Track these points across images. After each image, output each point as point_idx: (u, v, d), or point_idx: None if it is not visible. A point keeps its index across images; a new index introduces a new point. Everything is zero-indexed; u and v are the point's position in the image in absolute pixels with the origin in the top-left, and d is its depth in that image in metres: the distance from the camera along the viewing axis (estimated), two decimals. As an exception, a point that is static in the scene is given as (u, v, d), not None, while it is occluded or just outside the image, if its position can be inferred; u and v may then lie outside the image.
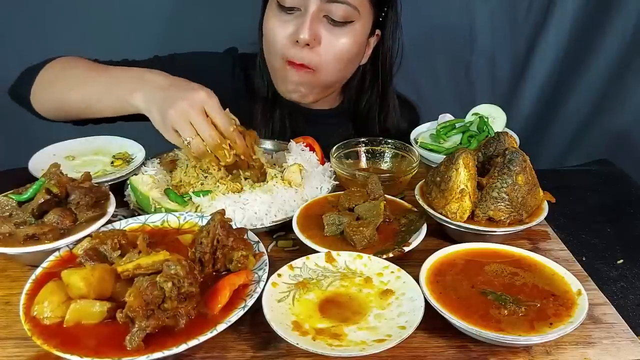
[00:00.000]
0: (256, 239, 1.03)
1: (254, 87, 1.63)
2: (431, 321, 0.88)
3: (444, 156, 1.20)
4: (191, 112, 1.16)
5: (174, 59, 1.61)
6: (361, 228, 1.04)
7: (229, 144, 1.20)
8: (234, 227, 1.03)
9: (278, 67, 1.49)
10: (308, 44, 1.41)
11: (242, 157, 1.22)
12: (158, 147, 1.41)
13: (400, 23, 1.60)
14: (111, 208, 1.10)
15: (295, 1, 1.41)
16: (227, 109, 1.23)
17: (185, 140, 1.17)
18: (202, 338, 0.80)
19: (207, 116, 1.17)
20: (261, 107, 1.61)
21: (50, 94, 1.42)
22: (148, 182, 1.20)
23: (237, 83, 1.66)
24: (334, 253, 1.00)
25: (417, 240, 1.05)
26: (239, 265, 0.94)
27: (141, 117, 1.27)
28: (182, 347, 0.78)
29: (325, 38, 1.43)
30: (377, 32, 1.58)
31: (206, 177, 1.25)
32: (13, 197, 1.06)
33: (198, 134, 1.17)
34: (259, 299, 0.88)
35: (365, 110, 1.68)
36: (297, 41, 1.40)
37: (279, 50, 1.46)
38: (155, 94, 1.22)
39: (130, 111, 1.28)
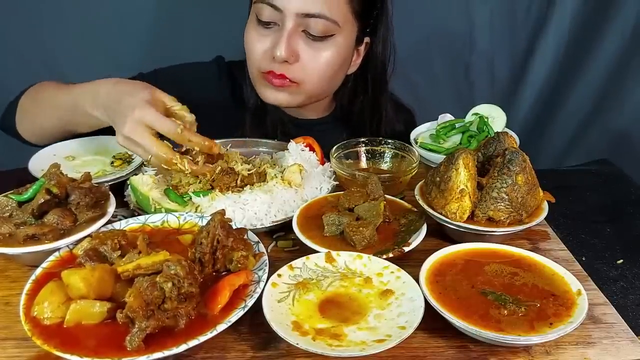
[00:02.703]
0: (256, 239, 1.03)
1: (243, 94, 1.60)
2: (431, 321, 0.88)
3: (444, 156, 1.20)
4: (134, 137, 1.13)
5: (156, 74, 1.58)
6: (361, 228, 1.04)
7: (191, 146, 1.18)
8: (234, 227, 1.03)
9: (257, 77, 1.48)
10: (286, 61, 1.39)
11: (202, 152, 1.20)
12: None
13: (392, 27, 1.57)
14: (111, 208, 1.09)
15: (272, 16, 1.38)
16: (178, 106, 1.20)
17: (145, 160, 1.18)
18: (202, 338, 0.80)
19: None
20: (251, 114, 1.59)
21: (31, 123, 1.45)
22: (148, 182, 1.20)
23: (224, 91, 1.64)
24: (333, 253, 1.00)
25: (417, 240, 1.05)
26: (239, 265, 0.94)
27: None
28: (182, 347, 0.78)
29: (305, 53, 1.41)
30: (367, 39, 1.55)
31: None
32: (13, 197, 1.05)
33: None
34: (259, 299, 0.88)
35: (357, 117, 1.65)
36: (274, 57, 1.38)
37: (257, 64, 1.44)
38: (110, 111, 1.20)
39: (94, 123, 1.29)
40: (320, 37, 1.40)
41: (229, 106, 1.63)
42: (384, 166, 1.42)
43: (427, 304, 0.87)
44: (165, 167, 1.17)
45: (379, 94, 1.64)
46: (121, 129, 1.15)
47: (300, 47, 1.40)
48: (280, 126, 1.59)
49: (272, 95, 1.48)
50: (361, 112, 1.65)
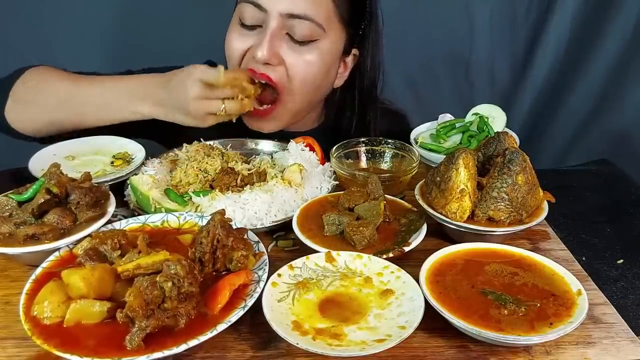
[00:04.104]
0: (256, 239, 1.03)
1: None
2: (431, 321, 0.88)
3: (444, 156, 1.20)
4: (205, 100, 1.24)
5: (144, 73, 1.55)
6: (361, 228, 1.04)
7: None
8: (234, 227, 1.03)
9: None
10: (268, 63, 1.34)
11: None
12: (158, 147, 1.41)
13: (382, 42, 1.53)
14: (111, 208, 1.10)
15: (255, 17, 1.34)
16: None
17: (219, 112, 1.26)
18: (202, 338, 0.80)
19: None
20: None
21: (33, 113, 1.39)
22: (148, 182, 1.20)
23: None
24: (334, 253, 1.00)
25: (417, 240, 1.05)
26: (239, 265, 0.94)
27: (130, 129, 1.36)
28: (182, 347, 0.78)
29: (288, 56, 1.36)
30: (354, 51, 1.51)
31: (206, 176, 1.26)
32: (13, 197, 1.05)
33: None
34: (259, 299, 0.88)
35: (345, 130, 1.60)
36: (255, 58, 1.34)
37: (236, 63, 1.40)
38: (165, 97, 1.28)
39: (134, 118, 1.34)
40: (304, 42, 1.35)
41: None
42: (384, 166, 1.42)
43: (427, 304, 0.87)
44: (238, 108, 1.28)
45: (367, 113, 1.60)
46: (188, 102, 1.24)
47: (283, 51, 1.35)
48: (267, 134, 1.53)
49: (256, 124, 1.46)
50: (348, 128, 1.61)
